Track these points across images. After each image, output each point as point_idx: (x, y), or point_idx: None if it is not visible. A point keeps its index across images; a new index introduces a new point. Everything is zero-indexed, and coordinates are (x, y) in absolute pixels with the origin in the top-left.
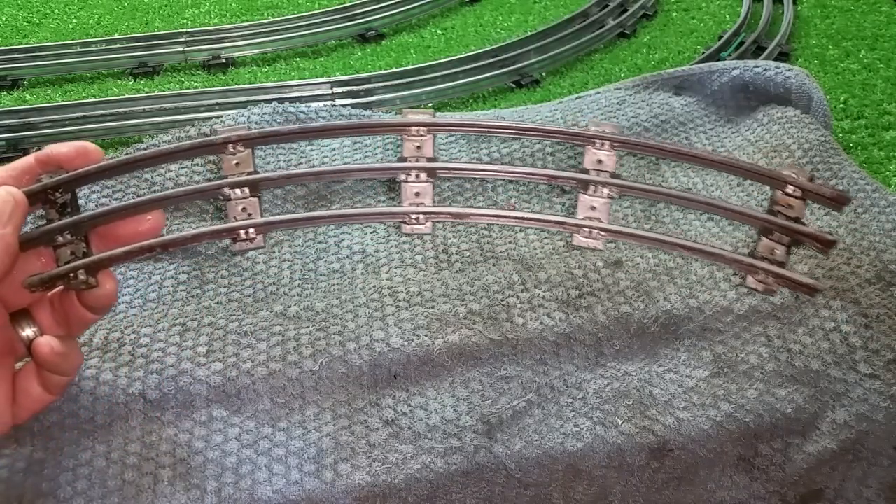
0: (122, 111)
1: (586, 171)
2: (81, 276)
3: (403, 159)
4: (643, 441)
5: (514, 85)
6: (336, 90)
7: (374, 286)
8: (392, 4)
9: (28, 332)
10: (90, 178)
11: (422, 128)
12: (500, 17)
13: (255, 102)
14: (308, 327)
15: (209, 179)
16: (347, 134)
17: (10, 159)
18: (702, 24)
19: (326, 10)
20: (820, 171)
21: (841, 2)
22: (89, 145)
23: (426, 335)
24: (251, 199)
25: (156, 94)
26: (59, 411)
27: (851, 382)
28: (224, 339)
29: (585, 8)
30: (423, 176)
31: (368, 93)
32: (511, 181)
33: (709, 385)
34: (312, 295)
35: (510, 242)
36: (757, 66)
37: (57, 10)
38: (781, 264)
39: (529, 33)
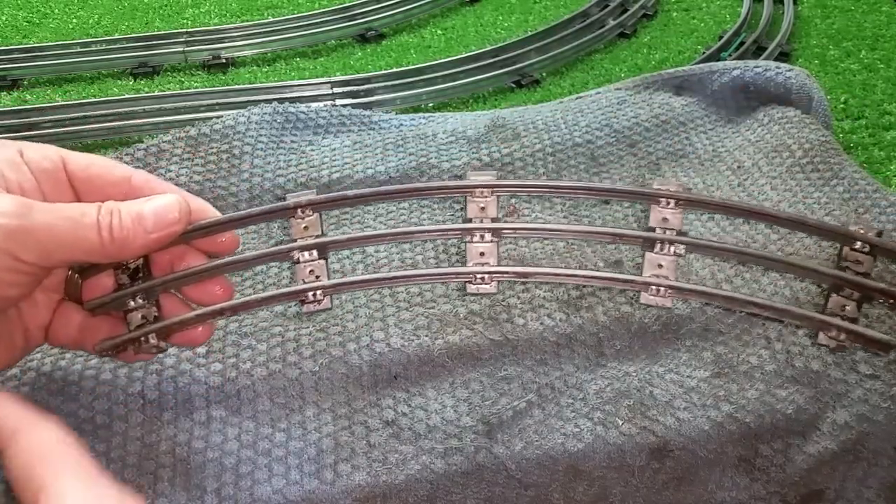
0: (122, 111)
1: (652, 230)
2: (153, 341)
3: (468, 220)
4: (644, 441)
5: (514, 85)
6: (336, 90)
7: None
8: (392, 4)
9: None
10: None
11: (486, 189)
12: (501, 17)
13: (255, 102)
14: (308, 327)
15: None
16: (413, 196)
17: None
18: (702, 24)
19: (326, 10)
20: (820, 171)
21: (841, 2)
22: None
23: (426, 335)
24: (319, 261)
25: (156, 94)
26: (58, 411)
27: (852, 383)
28: (224, 339)
29: (585, 8)
30: (487, 236)
31: (368, 93)
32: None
33: (709, 385)
34: None
35: (510, 243)
36: (757, 66)
37: (57, 10)
38: (853, 321)
39: (529, 33)
